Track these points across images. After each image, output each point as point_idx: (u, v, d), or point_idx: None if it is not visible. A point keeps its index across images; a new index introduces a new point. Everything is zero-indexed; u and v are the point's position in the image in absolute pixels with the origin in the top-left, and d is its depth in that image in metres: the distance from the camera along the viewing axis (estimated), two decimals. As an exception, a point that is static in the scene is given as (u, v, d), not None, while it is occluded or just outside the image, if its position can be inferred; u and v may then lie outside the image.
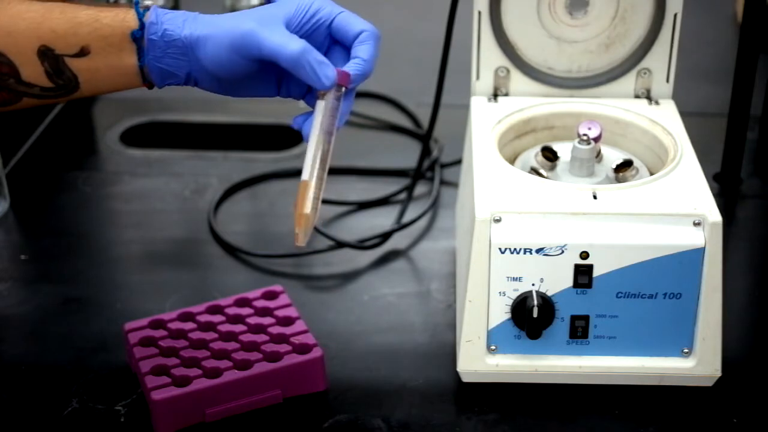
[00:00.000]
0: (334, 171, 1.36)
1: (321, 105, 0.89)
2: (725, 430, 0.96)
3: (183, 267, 1.21)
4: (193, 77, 0.89)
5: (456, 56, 1.20)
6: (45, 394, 1.00)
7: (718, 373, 0.97)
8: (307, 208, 0.87)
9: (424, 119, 1.42)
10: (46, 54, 0.87)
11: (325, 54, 0.91)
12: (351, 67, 0.89)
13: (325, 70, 0.87)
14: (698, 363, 0.97)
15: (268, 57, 0.86)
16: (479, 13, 1.10)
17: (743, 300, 1.14)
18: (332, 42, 0.92)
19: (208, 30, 0.87)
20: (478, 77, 1.13)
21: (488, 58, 1.12)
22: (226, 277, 1.19)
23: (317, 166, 0.88)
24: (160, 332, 1.01)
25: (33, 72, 0.87)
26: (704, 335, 0.96)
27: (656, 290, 0.95)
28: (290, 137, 1.50)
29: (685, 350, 0.97)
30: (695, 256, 0.93)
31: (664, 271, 0.94)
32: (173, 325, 1.02)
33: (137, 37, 0.87)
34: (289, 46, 0.85)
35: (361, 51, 0.90)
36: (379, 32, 0.91)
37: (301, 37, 0.88)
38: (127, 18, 0.87)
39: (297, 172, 1.39)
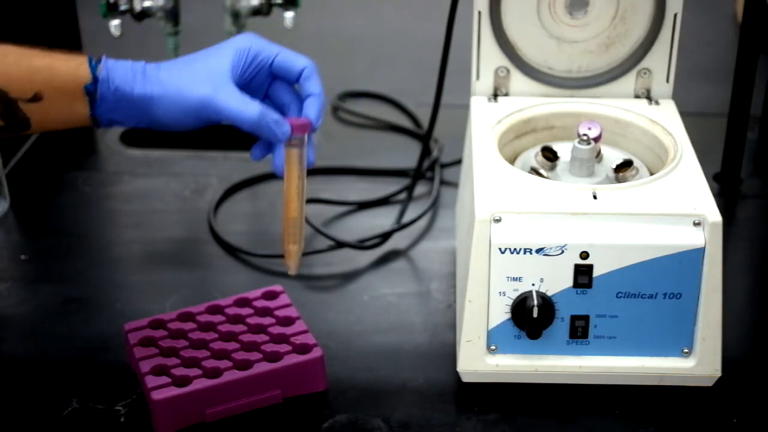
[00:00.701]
0: (334, 171, 1.38)
1: (289, 151, 0.93)
2: (725, 430, 0.96)
3: (183, 267, 1.21)
4: (145, 124, 0.92)
5: (456, 56, 1.20)
6: (45, 394, 1.00)
7: (718, 373, 0.97)
8: (296, 242, 0.94)
9: (424, 119, 1.42)
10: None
11: (268, 89, 0.95)
12: (310, 106, 0.94)
13: (282, 128, 0.91)
14: (698, 363, 0.97)
15: (226, 122, 0.90)
16: (479, 13, 1.10)
17: (743, 300, 1.14)
18: (273, 78, 0.95)
19: (161, 90, 0.89)
20: (478, 77, 1.13)
21: (488, 58, 1.12)
22: (226, 277, 1.19)
23: (298, 204, 0.94)
24: (160, 332, 1.01)
25: None
26: (704, 335, 0.96)
27: (656, 290, 0.95)
28: (290, 137, 1.49)
29: (685, 350, 0.97)
30: (695, 256, 0.93)
31: (664, 271, 0.94)
32: (173, 325, 1.02)
33: (90, 90, 0.89)
34: (247, 111, 0.90)
35: (311, 86, 0.94)
36: (316, 65, 0.95)
37: (244, 80, 0.92)
38: (81, 69, 0.89)
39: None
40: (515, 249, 0.94)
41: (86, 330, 1.09)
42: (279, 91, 0.96)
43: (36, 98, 0.88)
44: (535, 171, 1.04)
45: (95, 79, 0.89)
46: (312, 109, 0.94)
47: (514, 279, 0.95)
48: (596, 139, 1.04)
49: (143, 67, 0.90)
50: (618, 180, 1.03)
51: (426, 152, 1.29)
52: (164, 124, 0.91)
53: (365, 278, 1.18)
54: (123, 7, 1.29)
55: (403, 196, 1.31)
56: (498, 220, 0.94)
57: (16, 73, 0.88)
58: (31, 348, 1.07)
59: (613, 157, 1.06)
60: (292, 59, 0.94)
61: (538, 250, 0.94)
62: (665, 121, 1.08)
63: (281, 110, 0.96)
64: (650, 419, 0.97)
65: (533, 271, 0.94)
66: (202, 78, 0.90)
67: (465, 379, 0.99)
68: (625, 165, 1.04)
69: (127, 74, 0.90)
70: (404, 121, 1.52)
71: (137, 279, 1.19)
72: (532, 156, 1.06)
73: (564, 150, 1.06)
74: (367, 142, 1.48)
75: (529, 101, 1.12)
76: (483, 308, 0.96)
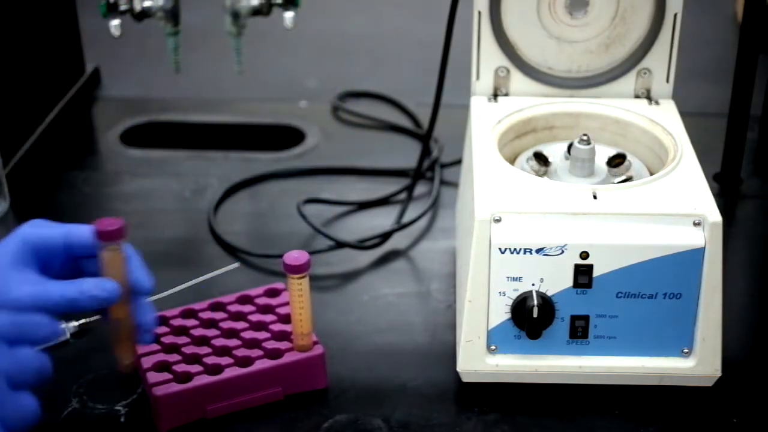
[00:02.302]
0: (334, 171, 1.38)
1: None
2: (725, 430, 0.96)
3: (183, 267, 1.20)
4: None
5: (456, 56, 1.20)
6: (45, 394, 1.00)
7: (718, 373, 0.97)
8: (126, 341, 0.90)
9: (424, 119, 1.42)
10: None
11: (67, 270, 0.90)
12: (135, 267, 0.89)
13: (103, 285, 0.86)
14: (698, 363, 0.97)
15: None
16: (479, 13, 1.11)
17: (743, 300, 1.14)
18: (68, 256, 0.91)
19: None
20: (478, 77, 1.13)
21: (488, 58, 1.12)
22: (226, 277, 1.18)
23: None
24: (162, 329, 1.01)
25: None
26: (704, 335, 0.96)
27: (656, 290, 0.95)
28: (290, 137, 1.50)
29: (685, 350, 0.97)
30: (695, 256, 0.93)
31: (664, 271, 0.94)
32: (175, 322, 1.02)
33: None
34: (67, 293, 0.84)
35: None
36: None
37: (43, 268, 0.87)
38: None
39: (297, 172, 1.40)
40: (515, 249, 0.94)
41: (86, 329, 1.08)
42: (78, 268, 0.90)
43: None
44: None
45: None
46: (138, 270, 0.89)
47: (514, 279, 0.95)
48: None
49: None
50: (615, 174, 1.03)
51: (426, 152, 1.29)
52: None
53: (365, 278, 1.18)
54: (123, 7, 1.29)
55: (403, 196, 1.31)
56: (498, 220, 0.94)
57: None
58: (31, 347, 1.07)
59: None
60: (83, 230, 0.90)
61: (538, 250, 0.94)
62: (665, 121, 1.08)
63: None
64: (650, 419, 0.97)
65: (533, 271, 0.94)
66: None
67: (465, 379, 0.99)
68: (619, 156, 1.04)
69: None
70: (404, 121, 1.52)
71: (137, 279, 1.19)
72: (524, 161, 1.06)
73: (556, 151, 1.06)
74: (367, 142, 1.48)
75: (529, 101, 1.12)
76: (483, 308, 0.96)
